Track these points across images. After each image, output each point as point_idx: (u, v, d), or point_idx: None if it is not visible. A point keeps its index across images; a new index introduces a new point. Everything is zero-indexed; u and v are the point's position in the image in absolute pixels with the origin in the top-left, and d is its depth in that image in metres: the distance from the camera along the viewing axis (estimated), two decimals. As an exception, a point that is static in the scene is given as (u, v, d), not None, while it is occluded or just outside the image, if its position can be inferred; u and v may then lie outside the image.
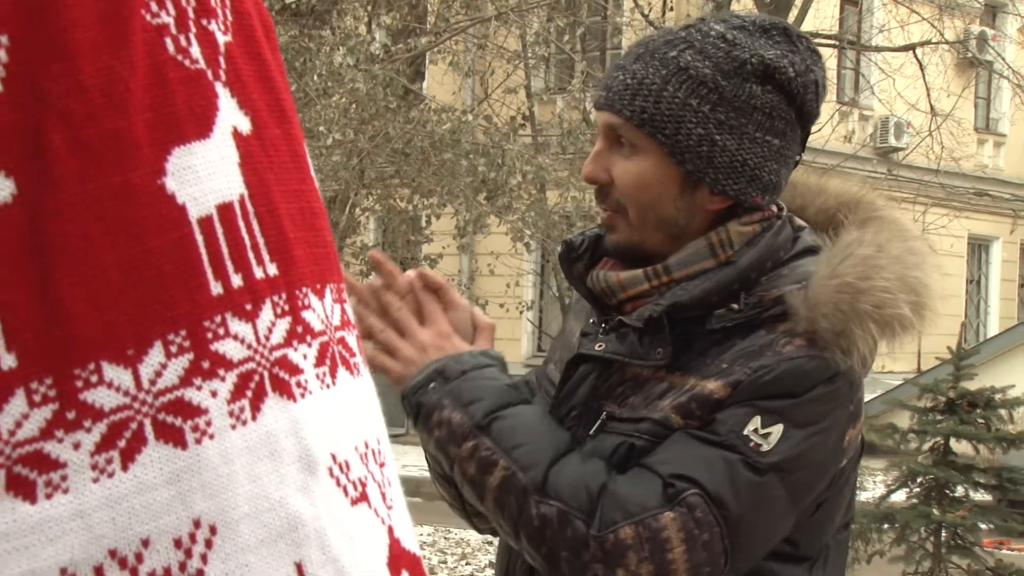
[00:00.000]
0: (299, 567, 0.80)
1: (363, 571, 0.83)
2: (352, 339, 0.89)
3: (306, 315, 0.84)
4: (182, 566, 0.76)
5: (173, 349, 0.77)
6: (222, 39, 0.83)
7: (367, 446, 0.87)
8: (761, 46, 1.67)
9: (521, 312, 12.71)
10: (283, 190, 0.84)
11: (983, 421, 6.94)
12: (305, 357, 0.83)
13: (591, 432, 1.69)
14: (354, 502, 0.84)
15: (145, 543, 0.76)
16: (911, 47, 14.05)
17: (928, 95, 14.07)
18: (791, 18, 12.77)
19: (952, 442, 6.95)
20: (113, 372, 0.76)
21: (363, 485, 0.85)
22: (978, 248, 20.67)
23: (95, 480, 0.75)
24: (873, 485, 8.52)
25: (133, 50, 0.77)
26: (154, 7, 0.79)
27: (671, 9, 12.10)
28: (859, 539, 7.16)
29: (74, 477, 0.75)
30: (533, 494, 1.59)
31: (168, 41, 0.79)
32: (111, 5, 0.76)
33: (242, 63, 0.84)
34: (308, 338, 0.84)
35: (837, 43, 14.47)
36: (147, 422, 0.76)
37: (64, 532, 0.74)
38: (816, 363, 1.62)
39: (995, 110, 20.28)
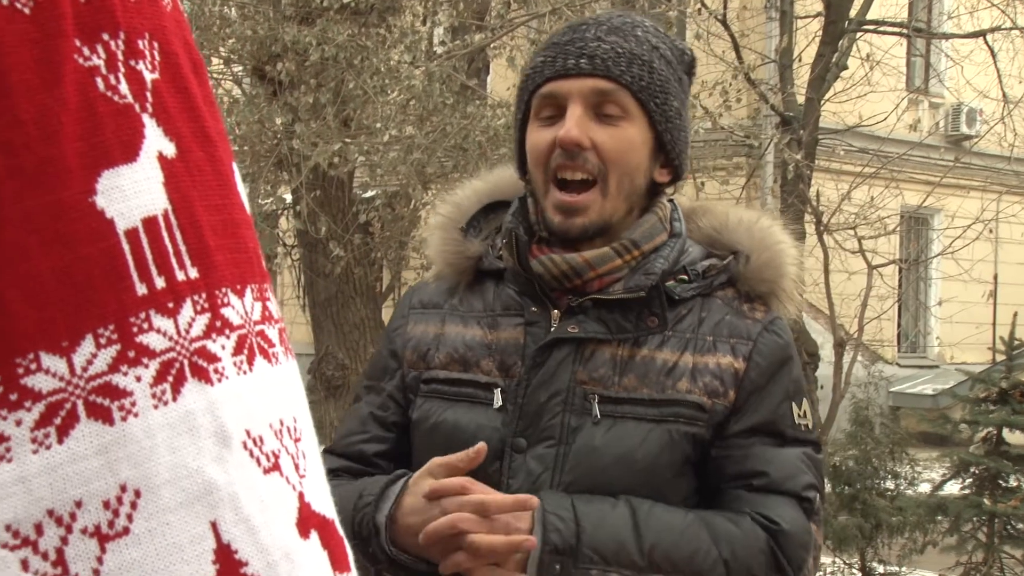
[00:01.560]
0: (214, 525, 0.93)
1: (272, 529, 0.96)
2: (273, 332, 1.03)
3: (225, 311, 0.98)
4: (111, 524, 0.90)
5: (102, 341, 0.91)
6: (149, 76, 0.97)
7: (282, 424, 1.01)
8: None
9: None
10: (206, 205, 0.98)
11: (1036, 411, 6.93)
12: (223, 348, 0.97)
13: (594, 416, 1.72)
14: (266, 471, 0.97)
15: (78, 504, 0.90)
16: (981, 33, 13.88)
17: (1000, 82, 13.90)
18: (856, 5, 12.71)
19: (1005, 432, 6.95)
20: (50, 361, 0.90)
21: (276, 457, 0.99)
22: (1055, 236, 20.35)
23: (34, 451, 0.89)
24: (941, 475, 8.52)
25: (65, 89, 0.91)
26: (86, 52, 0.93)
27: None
28: (917, 530, 7.19)
29: (16, 449, 0.89)
30: None
31: (99, 80, 0.93)
32: (45, 52, 0.91)
33: (168, 96, 0.98)
34: (227, 331, 0.97)
35: (905, 31, 14.36)
36: (79, 403, 0.90)
37: (8, 495, 0.88)
38: (784, 321, 1.82)
39: (1071, 96, 19.94)
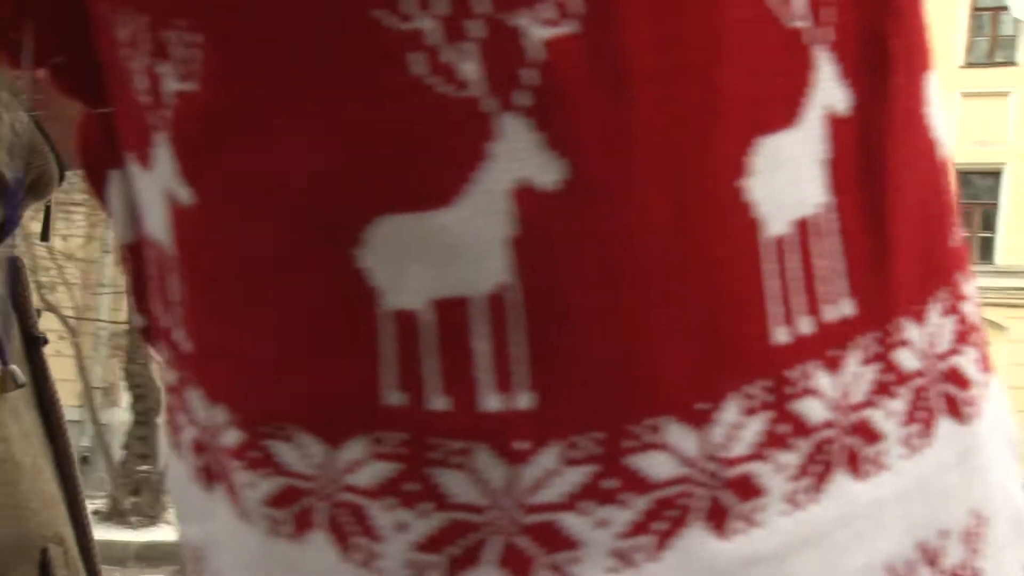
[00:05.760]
0: None
1: None
2: None
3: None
4: (964, 564, 0.64)
5: (945, 307, 0.66)
6: None
7: None
8: None
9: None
10: None
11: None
12: None
13: None
14: None
15: (944, 535, 0.63)
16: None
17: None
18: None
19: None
20: (911, 330, 0.63)
21: None
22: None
23: (904, 456, 0.62)
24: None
25: None
26: None
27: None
28: None
29: (892, 451, 0.61)
30: None
31: None
32: None
33: None
34: None
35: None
36: (931, 391, 0.64)
37: (888, 521, 0.60)
38: None
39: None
